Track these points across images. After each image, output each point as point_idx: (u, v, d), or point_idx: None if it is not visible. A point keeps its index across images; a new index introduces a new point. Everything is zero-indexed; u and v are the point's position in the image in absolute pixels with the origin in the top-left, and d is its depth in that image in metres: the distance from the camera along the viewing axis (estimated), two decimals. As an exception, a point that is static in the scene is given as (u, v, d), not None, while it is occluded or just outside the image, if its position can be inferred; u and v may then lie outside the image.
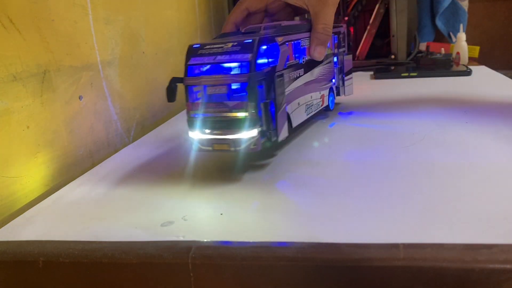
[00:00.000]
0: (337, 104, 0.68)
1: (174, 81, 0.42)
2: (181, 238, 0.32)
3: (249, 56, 0.39)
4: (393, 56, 1.00)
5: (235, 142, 0.40)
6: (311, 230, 0.31)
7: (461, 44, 1.02)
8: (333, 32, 0.59)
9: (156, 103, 0.72)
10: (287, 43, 0.46)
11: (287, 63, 0.46)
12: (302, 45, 0.50)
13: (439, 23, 1.22)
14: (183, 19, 0.86)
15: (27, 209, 0.40)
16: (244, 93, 0.40)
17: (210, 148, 0.42)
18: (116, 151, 0.58)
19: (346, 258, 0.28)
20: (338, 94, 0.64)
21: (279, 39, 0.44)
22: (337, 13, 1.11)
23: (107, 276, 0.31)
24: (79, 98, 0.53)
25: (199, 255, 0.30)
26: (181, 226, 0.34)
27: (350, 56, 0.66)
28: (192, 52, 0.42)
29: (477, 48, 1.07)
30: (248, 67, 0.39)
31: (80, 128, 0.54)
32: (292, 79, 0.47)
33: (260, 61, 0.41)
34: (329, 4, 0.51)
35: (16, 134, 0.44)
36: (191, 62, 0.42)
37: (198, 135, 0.42)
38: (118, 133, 0.62)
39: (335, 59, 0.62)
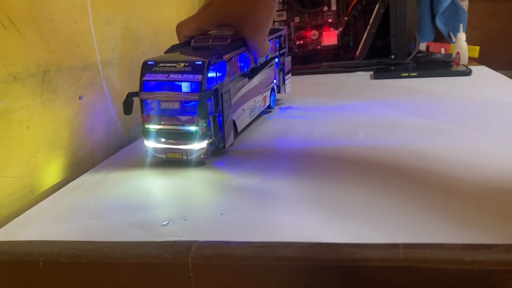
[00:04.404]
0: (278, 100, 0.75)
1: (130, 95, 0.46)
2: (181, 238, 0.32)
3: (199, 77, 0.43)
4: (393, 56, 1.00)
5: (187, 151, 0.45)
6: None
7: (461, 44, 1.02)
8: (275, 37, 0.65)
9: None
10: (233, 58, 0.50)
11: (233, 76, 0.50)
12: (247, 56, 0.55)
13: (439, 23, 1.22)
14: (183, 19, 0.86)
15: (27, 209, 0.40)
16: (195, 109, 0.44)
17: (164, 156, 0.47)
18: (116, 151, 0.58)
19: (346, 258, 0.28)
20: (279, 92, 0.71)
21: (226, 57, 0.48)
22: (337, 13, 1.11)
23: (107, 276, 0.31)
24: (79, 98, 0.53)
25: (199, 255, 0.30)
26: (182, 226, 0.34)
27: (289, 57, 0.72)
28: (146, 68, 0.46)
29: (477, 48, 1.06)
30: (198, 86, 0.43)
31: (80, 128, 0.54)
32: (238, 89, 0.52)
33: (210, 74, 0.45)
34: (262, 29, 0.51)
35: (16, 134, 0.44)
36: (146, 78, 0.46)
37: (153, 144, 0.46)
38: (118, 133, 0.62)
39: (276, 60, 0.68)
